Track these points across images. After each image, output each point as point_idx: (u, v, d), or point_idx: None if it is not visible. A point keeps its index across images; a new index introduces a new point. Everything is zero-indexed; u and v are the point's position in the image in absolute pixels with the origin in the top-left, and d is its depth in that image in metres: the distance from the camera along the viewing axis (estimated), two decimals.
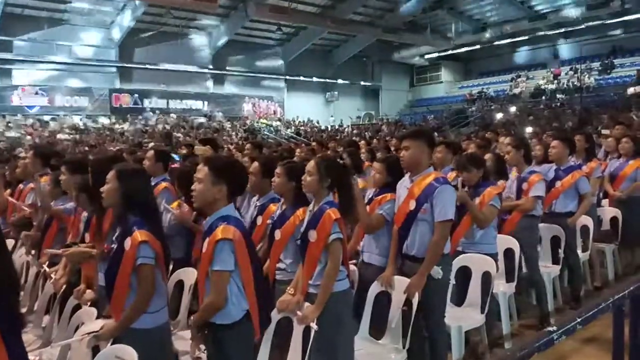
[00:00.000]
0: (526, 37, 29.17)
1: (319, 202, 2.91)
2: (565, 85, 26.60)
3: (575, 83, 26.05)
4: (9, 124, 21.06)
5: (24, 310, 3.79)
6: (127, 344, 2.34)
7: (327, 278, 2.79)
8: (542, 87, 27.77)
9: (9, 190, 5.22)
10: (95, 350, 2.55)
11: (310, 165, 2.96)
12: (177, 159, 9.79)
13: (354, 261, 3.67)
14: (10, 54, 22.45)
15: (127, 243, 2.47)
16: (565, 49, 30.21)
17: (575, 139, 5.30)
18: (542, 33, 28.30)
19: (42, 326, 3.57)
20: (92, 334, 2.54)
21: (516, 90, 28.86)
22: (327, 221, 2.80)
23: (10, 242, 4.32)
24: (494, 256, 3.77)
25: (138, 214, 2.54)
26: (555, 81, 27.62)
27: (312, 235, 2.86)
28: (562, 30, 27.85)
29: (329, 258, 2.82)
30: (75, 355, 2.77)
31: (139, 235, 2.46)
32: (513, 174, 4.62)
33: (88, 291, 3.19)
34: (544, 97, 26.46)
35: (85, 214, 3.49)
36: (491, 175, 4.32)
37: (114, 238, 2.62)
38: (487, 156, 4.48)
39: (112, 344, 2.48)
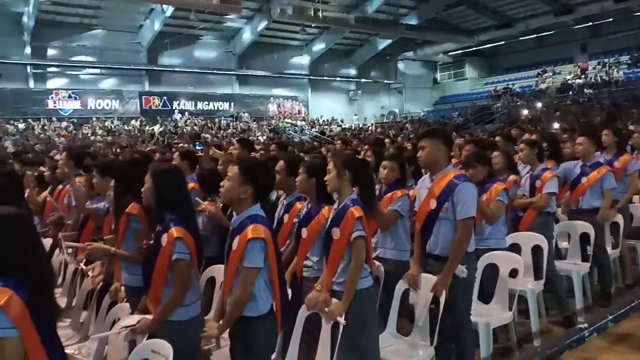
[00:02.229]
0: (552, 32, 28.63)
1: (343, 200, 2.96)
2: (593, 80, 26.06)
3: (603, 77, 25.51)
4: (44, 127, 21.71)
5: (62, 306, 3.94)
6: (161, 336, 2.45)
7: (351, 276, 2.84)
8: (569, 82, 27.26)
9: (45, 192, 5.41)
10: (132, 344, 2.65)
11: (329, 164, 3.03)
12: (199, 147, 9.98)
13: (375, 254, 3.72)
14: (44, 59, 23.16)
15: (164, 239, 2.59)
16: (593, 43, 29.53)
17: (603, 134, 5.21)
18: (568, 27, 27.75)
19: (80, 322, 3.71)
20: (129, 328, 2.65)
21: (542, 86, 28.38)
22: (350, 219, 2.85)
23: (48, 241, 4.48)
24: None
25: (174, 212, 2.65)
26: (583, 76, 27.07)
27: (336, 232, 2.91)
28: (590, 23, 27.27)
29: (352, 256, 2.86)
30: (112, 349, 2.88)
31: (175, 232, 2.57)
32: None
33: (123, 288, 3.32)
34: (571, 92, 25.98)
35: None
36: (504, 172, 4.39)
37: (153, 235, 2.73)
38: (496, 153, 4.49)
39: (147, 339, 2.58)
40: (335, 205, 3.02)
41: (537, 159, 4.57)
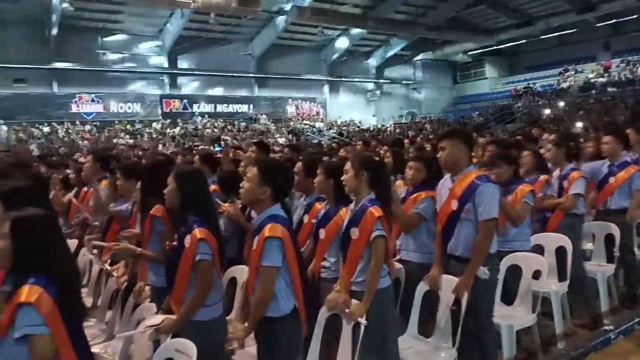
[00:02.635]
0: (574, 30, 28.17)
1: (361, 200, 2.95)
2: (616, 78, 25.57)
3: (627, 75, 25.00)
4: (68, 130, 22.16)
5: (87, 305, 4.02)
6: (184, 336, 2.49)
7: (372, 275, 2.84)
8: (592, 80, 26.80)
9: (69, 194, 5.52)
10: (156, 343, 2.69)
11: (347, 164, 3.03)
12: (218, 149, 10.10)
13: (398, 257, 3.71)
14: (68, 63, 23.60)
15: (187, 240, 2.63)
16: (616, 41, 28.97)
17: (627, 132, 5.11)
18: (591, 25, 27.27)
19: (105, 321, 3.77)
20: (154, 327, 2.69)
21: (564, 85, 27.98)
22: (370, 219, 2.85)
23: (73, 242, 4.57)
24: None
25: (197, 214, 2.69)
26: (606, 74, 26.59)
27: (355, 232, 2.91)
28: (613, 21, 26.74)
29: (372, 255, 2.86)
30: (137, 348, 2.93)
31: (198, 233, 2.61)
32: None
33: (147, 288, 3.37)
34: (594, 91, 25.54)
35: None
36: (533, 171, 4.33)
37: (175, 236, 2.78)
38: (525, 153, 4.44)
39: (171, 338, 2.61)
40: (352, 206, 3.02)
41: (565, 159, 4.46)
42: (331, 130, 27.65)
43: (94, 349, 3.24)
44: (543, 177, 4.39)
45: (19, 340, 1.86)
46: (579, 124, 15.93)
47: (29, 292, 1.88)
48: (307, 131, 27.01)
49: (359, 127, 29.43)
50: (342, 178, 3.02)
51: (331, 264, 3.22)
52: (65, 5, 20.12)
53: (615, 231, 4.38)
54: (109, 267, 3.88)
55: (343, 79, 31.78)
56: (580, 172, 4.40)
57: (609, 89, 24.75)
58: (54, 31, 22.26)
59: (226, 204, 4.05)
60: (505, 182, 3.86)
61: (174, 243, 2.74)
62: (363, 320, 2.78)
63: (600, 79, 26.48)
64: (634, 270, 4.65)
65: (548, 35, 29.06)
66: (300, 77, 30.02)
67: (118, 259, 3.83)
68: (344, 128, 28.70)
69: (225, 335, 2.79)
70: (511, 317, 3.48)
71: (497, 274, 3.30)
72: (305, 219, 3.71)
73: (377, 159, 3.53)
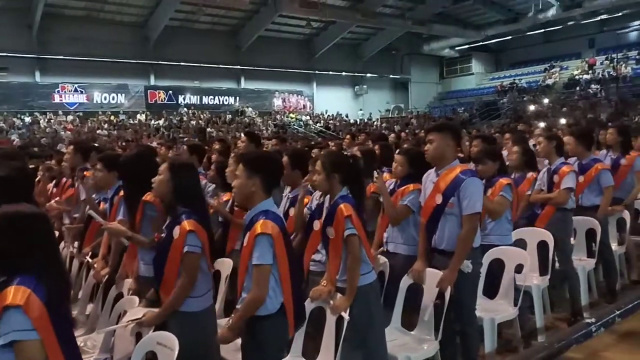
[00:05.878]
0: (560, 27, 28.45)
1: (333, 197, 2.90)
2: (600, 75, 25.89)
3: (611, 73, 25.33)
4: (50, 121, 21.79)
5: None
6: (174, 327, 2.48)
7: (351, 272, 2.81)
8: (577, 77, 27.11)
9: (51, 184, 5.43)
10: (138, 336, 2.66)
11: (317, 164, 2.95)
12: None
13: (382, 249, 3.72)
14: (50, 53, 23.10)
15: (176, 232, 2.60)
16: (601, 38, 29.34)
17: (608, 132, 5.20)
18: (576, 22, 27.55)
19: (86, 314, 3.72)
20: (135, 321, 2.67)
21: (549, 81, 28.29)
22: (340, 218, 2.80)
23: None
24: None
25: (187, 205, 2.67)
26: (590, 71, 26.91)
27: (330, 232, 2.87)
28: (598, 18, 27.05)
29: (348, 253, 2.82)
30: (119, 342, 2.90)
31: (187, 224, 2.58)
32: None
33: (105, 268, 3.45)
34: (578, 88, 25.84)
35: None
36: (522, 168, 4.40)
37: (164, 227, 2.75)
38: (515, 149, 4.48)
39: (154, 330, 2.59)
40: (326, 203, 2.97)
41: (555, 153, 4.48)
42: (318, 124, 27.60)
43: None
44: (531, 174, 4.44)
45: (4, 347, 1.68)
46: (563, 121, 16.12)
47: (15, 293, 1.71)
48: (293, 124, 26.92)
49: (345, 120, 29.41)
50: (313, 178, 2.97)
51: (323, 255, 3.18)
52: None
53: (596, 226, 4.44)
54: (90, 260, 3.83)
55: (330, 72, 31.63)
56: (571, 166, 4.43)
57: (593, 86, 25.07)
58: (38, 19, 21.79)
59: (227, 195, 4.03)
60: (489, 177, 3.91)
61: (162, 235, 2.72)
62: (346, 315, 2.77)
63: (585, 76, 26.80)
64: (612, 265, 4.73)
65: (534, 32, 29.31)
66: (287, 70, 29.81)
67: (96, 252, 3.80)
68: (330, 122, 28.66)
69: (214, 324, 2.78)
70: (493, 311, 3.52)
71: (479, 267, 3.33)
72: (292, 212, 3.68)
73: (347, 154, 3.44)
